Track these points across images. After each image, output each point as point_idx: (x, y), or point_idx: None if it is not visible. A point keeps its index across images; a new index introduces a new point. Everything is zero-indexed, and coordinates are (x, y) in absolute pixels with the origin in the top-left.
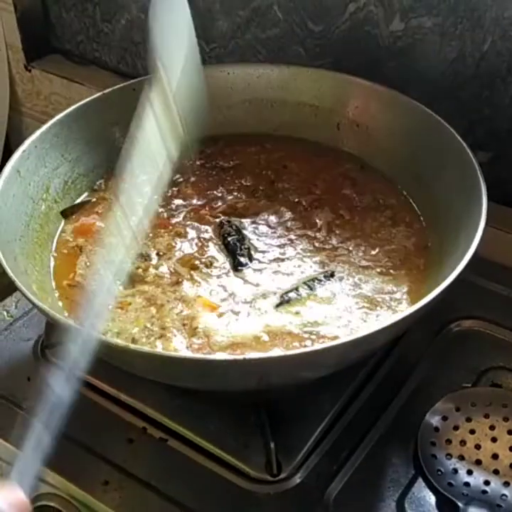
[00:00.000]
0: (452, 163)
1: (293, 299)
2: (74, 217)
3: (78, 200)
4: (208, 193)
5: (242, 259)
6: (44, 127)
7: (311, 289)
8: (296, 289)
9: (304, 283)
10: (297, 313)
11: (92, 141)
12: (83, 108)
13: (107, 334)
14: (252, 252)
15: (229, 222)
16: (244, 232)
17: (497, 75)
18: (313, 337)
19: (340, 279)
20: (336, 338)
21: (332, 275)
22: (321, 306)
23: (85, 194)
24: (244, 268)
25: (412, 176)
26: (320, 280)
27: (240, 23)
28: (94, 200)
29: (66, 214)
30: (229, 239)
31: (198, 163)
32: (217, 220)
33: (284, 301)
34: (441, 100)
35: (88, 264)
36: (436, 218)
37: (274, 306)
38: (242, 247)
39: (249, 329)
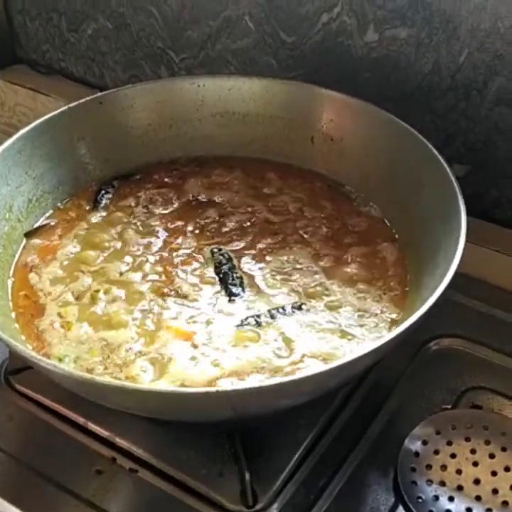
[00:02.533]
0: (428, 177)
1: (252, 324)
2: (37, 237)
3: (42, 219)
4: (178, 223)
5: (235, 289)
6: (6, 144)
7: (272, 317)
8: (258, 316)
9: (268, 311)
10: (254, 339)
11: (57, 156)
12: (48, 123)
13: (65, 360)
14: (245, 281)
15: (220, 250)
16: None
17: (473, 87)
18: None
19: (309, 309)
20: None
21: (300, 308)
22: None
23: (50, 212)
24: (237, 298)
25: (387, 193)
26: (284, 310)
27: (210, 33)
28: (57, 220)
29: (30, 235)
30: (221, 268)
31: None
32: (207, 249)
33: (241, 325)
34: (416, 113)
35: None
36: (413, 237)
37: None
38: (234, 276)
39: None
